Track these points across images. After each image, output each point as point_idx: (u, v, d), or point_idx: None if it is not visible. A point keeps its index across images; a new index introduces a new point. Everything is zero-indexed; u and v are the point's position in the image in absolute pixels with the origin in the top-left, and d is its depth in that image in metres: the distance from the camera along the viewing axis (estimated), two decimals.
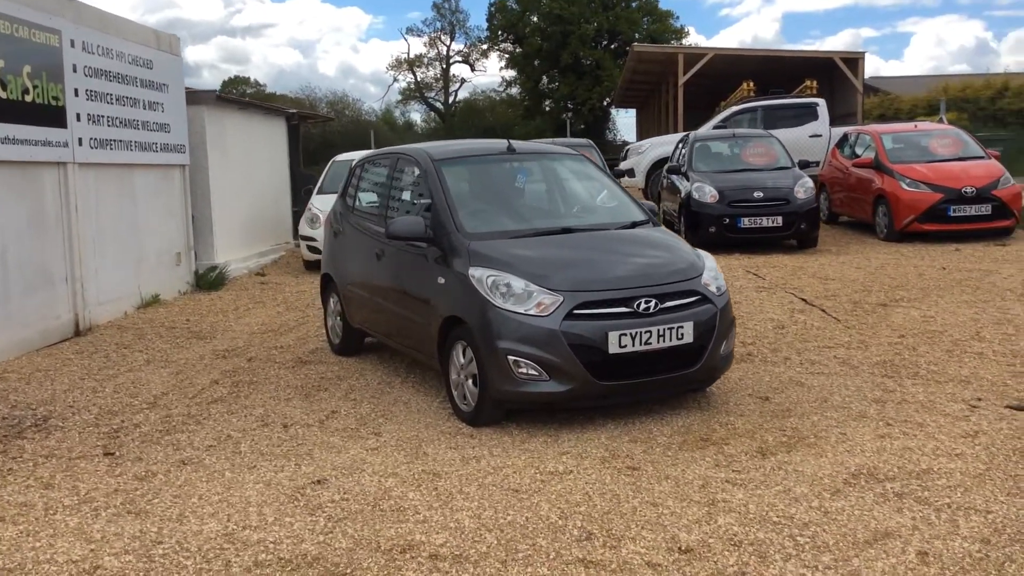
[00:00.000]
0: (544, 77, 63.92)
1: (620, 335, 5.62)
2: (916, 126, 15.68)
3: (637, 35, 62.93)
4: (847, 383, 6.59)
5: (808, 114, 18.27)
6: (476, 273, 5.91)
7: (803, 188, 13.12)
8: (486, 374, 5.74)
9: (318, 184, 14.56)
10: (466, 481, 4.96)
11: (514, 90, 67.37)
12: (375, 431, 5.97)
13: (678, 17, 69.02)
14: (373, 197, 7.85)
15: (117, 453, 5.74)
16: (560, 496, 4.69)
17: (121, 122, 10.67)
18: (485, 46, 67.76)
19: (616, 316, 5.68)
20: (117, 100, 10.59)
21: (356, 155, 15.57)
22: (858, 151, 15.13)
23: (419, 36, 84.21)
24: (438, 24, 69.34)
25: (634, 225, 6.69)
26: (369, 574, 3.93)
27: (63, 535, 4.49)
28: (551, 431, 5.78)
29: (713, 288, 6.09)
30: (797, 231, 13.06)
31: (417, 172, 7.08)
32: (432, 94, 71.44)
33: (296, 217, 17.45)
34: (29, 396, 7.11)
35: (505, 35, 65.48)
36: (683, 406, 6.21)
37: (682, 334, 5.80)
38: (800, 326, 8.49)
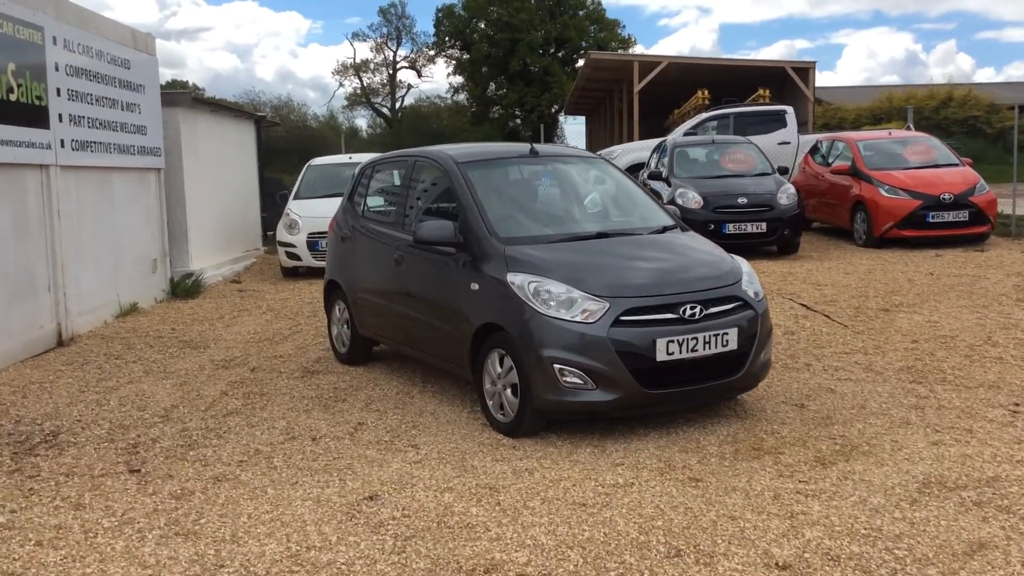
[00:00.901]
0: (492, 84, 63.90)
1: (668, 342, 5.51)
2: (891, 133, 15.90)
3: (585, 43, 63.34)
4: (878, 389, 6.56)
5: (777, 121, 18.43)
6: (516, 279, 5.74)
7: (786, 194, 13.18)
8: (529, 383, 5.57)
9: (294, 189, 14.23)
10: (527, 495, 4.79)
11: (461, 96, 67.21)
12: (411, 443, 5.77)
13: (624, 26, 69.45)
14: (387, 201, 7.63)
15: (142, 470, 5.46)
16: (631, 510, 4.55)
17: (101, 124, 10.29)
18: (432, 52, 67.55)
19: (663, 323, 5.56)
20: (97, 101, 10.21)
21: (333, 159, 15.35)
22: (832, 158, 15.28)
23: (365, 41, 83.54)
24: (384, 29, 68.94)
25: (664, 230, 6.59)
26: None
27: (112, 560, 4.23)
28: (595, 441, 5.64)
29: (751, 293, 6.01)
30: (780, 237, 13.12)
31: (438, 175, 6.90)
32: (379, 99, 70.93)
33: (265, 223, 17.11)
34: (31, 410, 6.76)
35: (452, 41, 65.36)
36: (721, 414, 6.12)
37: (727, 341, 5.70)
38: (809, 332, 8.47)
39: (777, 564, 3.91)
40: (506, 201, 6.66)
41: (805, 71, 32.77)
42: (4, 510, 4.88)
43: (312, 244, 13.08)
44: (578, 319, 5.51)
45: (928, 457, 5.15)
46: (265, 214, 17.06)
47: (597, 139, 53.26)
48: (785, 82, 32.65)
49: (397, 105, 70.28)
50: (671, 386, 5.60)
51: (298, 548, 4.27)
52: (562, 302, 5.58)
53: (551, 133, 63.44)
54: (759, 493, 4.71)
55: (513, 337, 5.67)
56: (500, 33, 59.60)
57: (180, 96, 12.80)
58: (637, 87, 32.60)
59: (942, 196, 13.25)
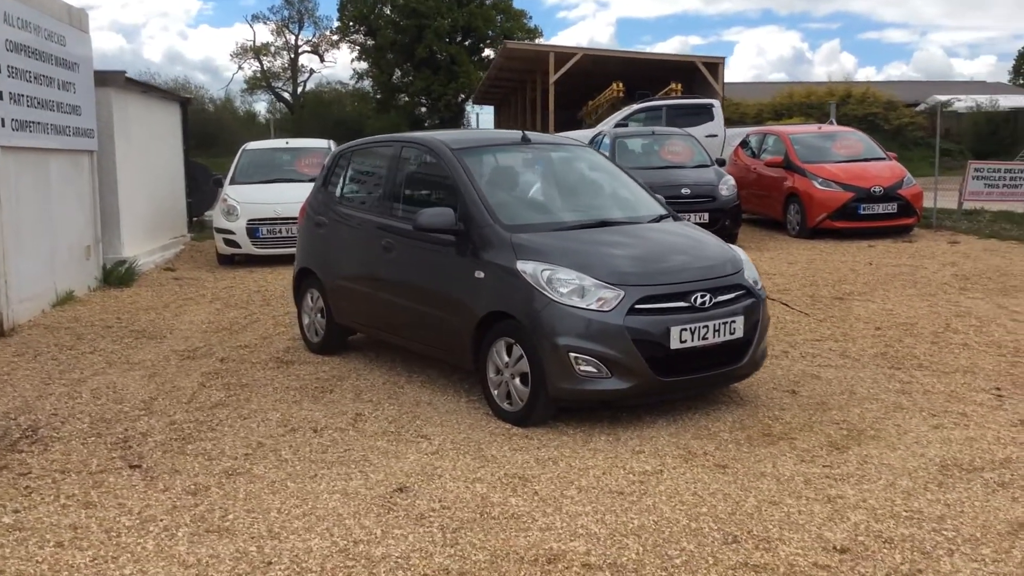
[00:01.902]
0: (398, 71, 63.30)
1: (681, 330, 5.54)
2: (820, 128, 16.37)
3: (491, 32, 63.32)
4: (860, 375, 6.75)
5: (705, 114, 18.77)
6: (527, 267, 5.69)
7: (726, 185, 13.44)
8: (543, 372, 5.53)
9: (230, 174, 13.80)
10: (560, 485, 4.76)
11: (366, 83, 66.35)
12: (420, 434, 5.66)
13: (531, 17, 69.67)
14: (370, 187, 7.46)
15: (143, 465, 5.22)
16: (670, 497, 4.56)
17: (39, 103, 9.79)
18: (336, 37, 66.45)
19: (675, 311, 5.60)
20: (35, 79, 9.70)
21: (268, 144, 14.96)
22: (764, 151, 15.65)
23: (266, 24, 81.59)
24: (286, 12, 67.51)
25: (660, 218, 6.63)
26: None
27: (149, 559, 4.03)
28: (606, 428, 5.64)
29: (752, 281, 6.10)
30: (722, 227, 13.33)
31: (430, 161, 6.78)
32: (280, 84, 69.47)
33: (191, 208, 16.59)
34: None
35: (357, 26, 64.44)
36: (719, 400, 6.19)
37: (734, 329, 5.77)
38: (775, 320, 8.61)
39: (835, 547, 3.98)
40: (504, 188, 6.60)
41: (715, 66, 33.52)
42: (6, 510, 4.61)
43: (253, 231, 12.72)
44: (594, 307, 5.50)
45: (935, 440, 5.32)
46: (191, 199, 16.52)
47: (507, 128, 53.31)
48: (695, 76, 33.31)
49: (299, 90, 68.91)
50: (683, 374, 5.65)
51: (344, 542, 4.15)
52: (576, 290, 5.55)
53: (458, 122, 63.30)
54: (789, 478, 4.78)
55: (525, 326, 5.62)
56: (406, 20, 59.06)
57: (113, 76, 12.24)
58: (553, 78, 32.80)
59: (873, 189, 13.72)
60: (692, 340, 5.58)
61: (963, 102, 48.36)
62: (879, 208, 13.72)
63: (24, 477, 5.08)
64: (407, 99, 63.41)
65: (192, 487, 4.87)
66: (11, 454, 5.44)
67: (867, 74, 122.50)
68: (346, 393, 6.62)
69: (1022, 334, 7.82)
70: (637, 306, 5.52)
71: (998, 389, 6.31)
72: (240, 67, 75.62)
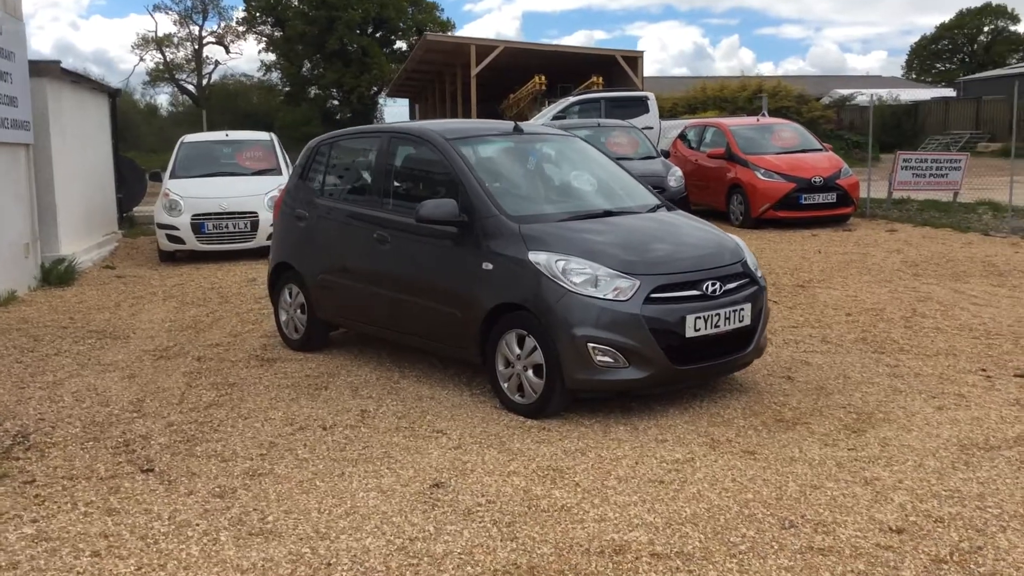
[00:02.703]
0: (307, 62, 62.30)
1: (695, 318, 5.59)
2: (759, 120, 16.71)
3: (403, 24, 62.81)
4: (848, 360, 6.91)
5: (641, 107, 18.98)
6: (540, 258, 5.65)
7: (674, 177, 13.62)
8: (560, 363, 5.50)
9: (169, 167, 13.35)
10: (598, 475, 4.74)
11: (274, 75, 65.11)
12: (435, 429, 5.58)
13: (443, 9, 69.37)
14: (358, 179, 7.31)
15: (156, 469, 5.02)
16: (712, 485, 4.59)
17: None
18: (242, 28, 64.96)
19: (689, 300, 5.63)
20: None
21: (208, 136, 14.54)
22: (704, 143, 15.90)
23: (168, 14, 79.22)
24: (189, 2, 65.65)
25: (655, 208, 6.66)
26: None
27: (199, 566, 3.87)
28: (620, 418, 5.65)
29: (753, 269, 6.19)
30: None
31: (424, 152, 6.67)
32: (184, 76, 67.60)
33: (120, 204, 16.04)
34: None
35: (264, 17, 63.19)
36: (720, 388, 6.25)
37: (742, 316, 5.84)
38: None
39: (890, 528, 4.06)
40: (503, 178, 6.53)
41: (634, 60, 33.93)
42: (23, 520, 4.38)
43: (198, 226, 12.34)
44: (610, 297, 5.49)
45: (944, 422, 5.47)
46: (120, 195, 15.96)
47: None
48: (614, 70, 33.64)
49: (204, 83, 67.16)
50: (697, 362, 5.69)
51: (400, 540, 4.06)
52: (590, 280, 5.54)
53: (370, 115, 62.63)
54: (820, 462, 4.86)
55: (539, 317, 5.59)
56: (316, 11, 58.13)
57: (47, 66, 11.71)
58: (475, 70, 32.71)
59: (813, 179, 14.07)
60: (705, 328, 5.63)
61: (865, 96, 50.09)
62: (819, 198, 14.09)
63: (30, 485, 4.83)
64: (318, 91, 62.49)
65: (217, 490, 4.70)
66: (7, 461, 5.17)
67: (766, 69, 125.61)
68: (342, 390, 6.48)
69: (987, 317, 8.11)
70: (652, 295, 5.54)
71: (984, 370, 6.53)
72: (142, 59, 73.50)
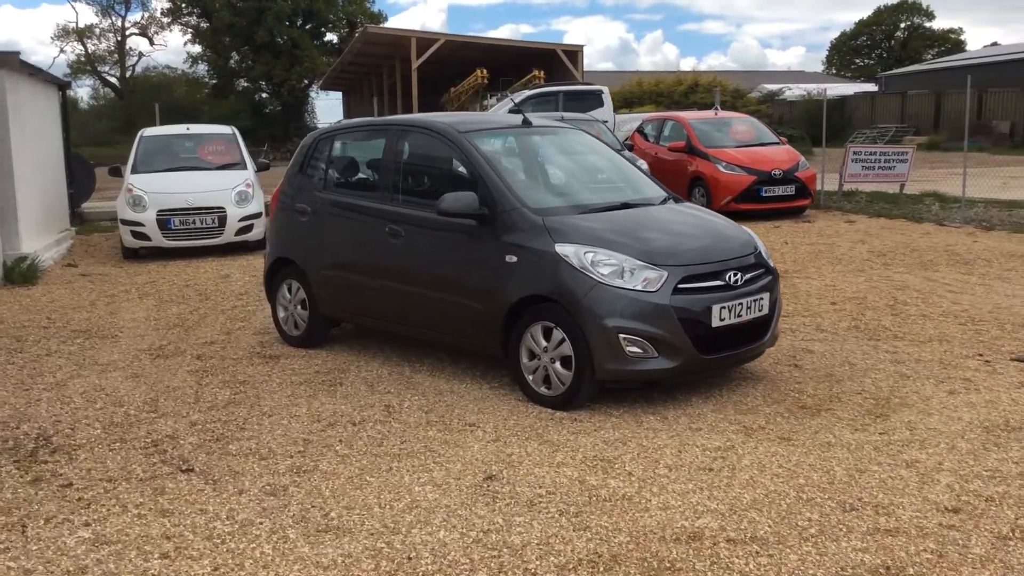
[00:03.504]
0: (235, 54, 61.13)
1: (720, 308, 5.70)
2: (716, 113, 16.99)
3: (333, 16, 62.11)
4: (848, 347, 7.11)
5: (596, 101, 19.13)
6: (567, 250, 5.70)
7: (641, 170, 13.73)
8: (591, 354, 5.57)
9: (130, 162, 13.02)
10: (648, 465, 4.81)
11: (201, 67, 63.72)
12: (466, 423, 5.59)
13: (374, 1, 68.73)
14: (365, 173, 7.25)
15: (196, 469, 4.95)
16: (761, 471, 4.69)
17: None
18: (167, 19, 63.41)
19: (714, 290, 5.74)
20: None
21: (168, 130, 14.25)
22: (663, 137, 16.12)
23: (89, 4, 76.87)
24: None
25: (665, 200, 6.77)
26: (698, 564, 3.75)
27: (277, 564, 3.85)
28: (647, 408, 5.72)
29: (766, 259, 6.33)
30: None
31: (437, 145, 6.66)
32: (107, 68, 65.80)
33: (72, 200, 15.62)
34: None
35: (190, 8, 61.76)
36: (732, 376, 6.38)
37: (762, 306, 5.98)
38: None
39: (947, 508, 4.21)
40: (519, 171, 6.56)
41: (574, 54, 34.15)
42: (75, 524, 4.29)
43: (164, 222, 12.08)
44: (639, 288, 5.58)
45: (960, 405, 5.68)
46: (72, 190, 15.53)
47: (359, 116, 52.50)
48: (554, 63, 33.81)
49: (127, 75, 65.46)
50: (721, 351, 5.81)
51: (474, 532, 4.08)
52: (617, 271, 5.61)
53: (301, 108, 61.84)
54: (857, 447, 5.01)
55: (568, 309, 5.64)
56: (245, 2, 57.03)
57: (7, 56, 11.33)
58: (416, 63, 32.54)
59: (773, 172, 14.40)
60: (729, 318, 5.75)
61: (793, 91, 51.25)
62: (779, 190, 14.43)
63: (69, 488, 4.73)
64: (247, 84, 61.36)
65: (268, 488, 4.66)
66: (36, 465, 5.05)
67: (688, 64, 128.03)
68: (358, 385, 6.45)
69: (967, 304, 8.42)
70: (680, 286, 5.64)
71: (981, 355, 6.79)
72: (62, 50, 71.32)
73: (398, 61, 35.45)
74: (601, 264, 5.63)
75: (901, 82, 50.87)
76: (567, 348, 5.69)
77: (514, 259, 5.90)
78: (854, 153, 16.41)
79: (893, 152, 16.84)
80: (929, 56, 75.47)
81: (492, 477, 4.72)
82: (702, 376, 6.05)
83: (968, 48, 76.80)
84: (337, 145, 7.50)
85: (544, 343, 5.81)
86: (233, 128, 14.44)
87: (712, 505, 4.31)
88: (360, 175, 7.36)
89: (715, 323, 5.68)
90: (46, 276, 11.32)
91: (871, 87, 58.89)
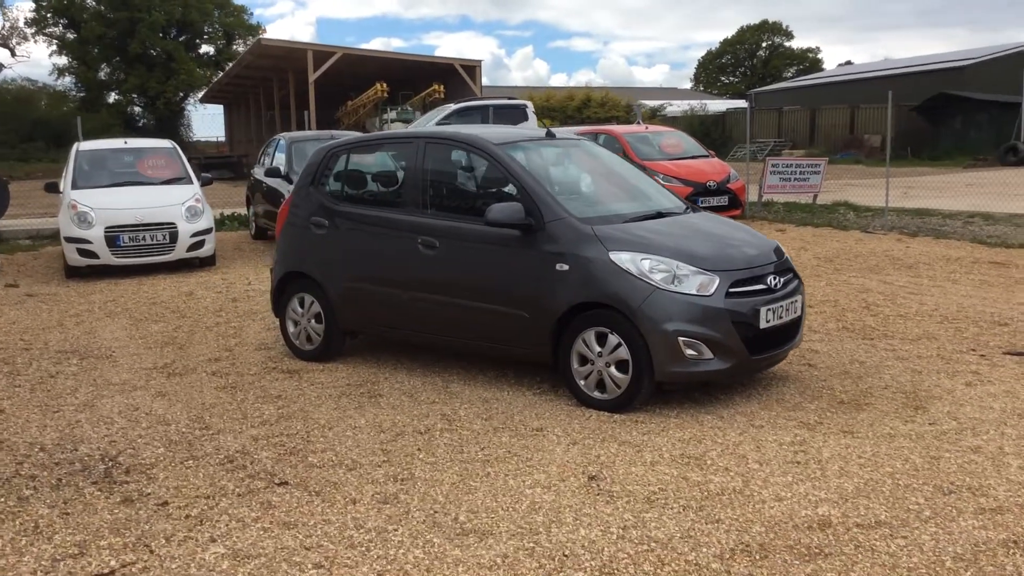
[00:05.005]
0: (106, 66, 59.04)
1: (767, 311, 6.02)
2: (647, 128, 17.50)
3: (208, 28, 60.80)
4: (848, 347, 7.53)
5: (521, 115, 19.35)
6: (623, 257, 5.90)
7: None
8: (651, 357, 5.78)
9: (69, 178, 12.49)
10: (736, 461, 5.03)
11: (68, 80, 61.13)
12: (533, 428, 5.71)
13: (251, 13, 67.38)
14: (388, 185, 7.27)
15: (291, 482, 4.93)
16: (846, 462, 4.95)
17: None
18: (31, 29, 60.58)
19: (759, 293, 6.05)
20: None
21: (107, 144, 13.78)
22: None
23: None
24: None
25: (686, 210, 7.05)
26: (845, 549, 3.99)
27: (441, 568, 3.91)
28: (698, 409, 5.96)
29: (792, 264, 6.69)
30: None
31: (467, 158, 6.77)
32: None
33: None
34: (23, 438, 5.72)
35: (56, 18, 59.29)
36: (756, 378, 6.70)
37: (797, 308, 6.34)
38: None
39: None
40: (556, 182, 6.72)
41: (472, 68, 34.39)
42: (202, 540, 4.24)
43: (113, 239, 11.68)
44: (695, 292, 5.83)
45: (984, 396, 6.13)
46: None
47: (242, 130, 51.45)
48: (453, 78, 33.98)
49: None
50: (766, 351, 6.11)
51: (616, 529, 4.22)
52: (669, 277, 5.85)
53: (177, 123, 60.12)
54: (917, 436, 5.37)
55: (626, 314, 5.84)
56: (116, 12, 55.18)
57: None
58: (313, 76, 32.18)
59: (708, 183, 14.97)
60: (774, 319, 6.07)
61: (674, 106, 52.99)
62: (713, 201, 15.00)
63: (167, 506, 4.64)
64: (119, 97, 59.29)
65: (379, 496, 4.68)
66: (117, 486, 4.92)
67: (559, 80, 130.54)
68: (399, 396, 6.47)
69: (933, 304, 9.02)
70: (731, 290, 5.92)
71: (974, 350, 7.32)
72: None
73: (291, 73, 34.94)
74: (656, 270, 5.86)
75: (768, 99, 53.32)
76: (623, 352, 5.88)
77: (565, 267, 6.06)
78: (772, 165, 17.20)
79: (807, 164, 17.73)
80: (790, 74, 79.28)
81: (594, 477, 4.86)
82: (751, 375, 6.35)
83: (825, 67, 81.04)
84: (354, 158, 7.50)
85: (598, 348, 5.99)
86: (172, 142, 14.07)
87: (822, 495, 4.57)
88: (382, 188, 7.38)
89: (763, 325, 5.98)
90: None
91: (741, 103, 61.40)
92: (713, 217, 6.98)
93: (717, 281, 5.88)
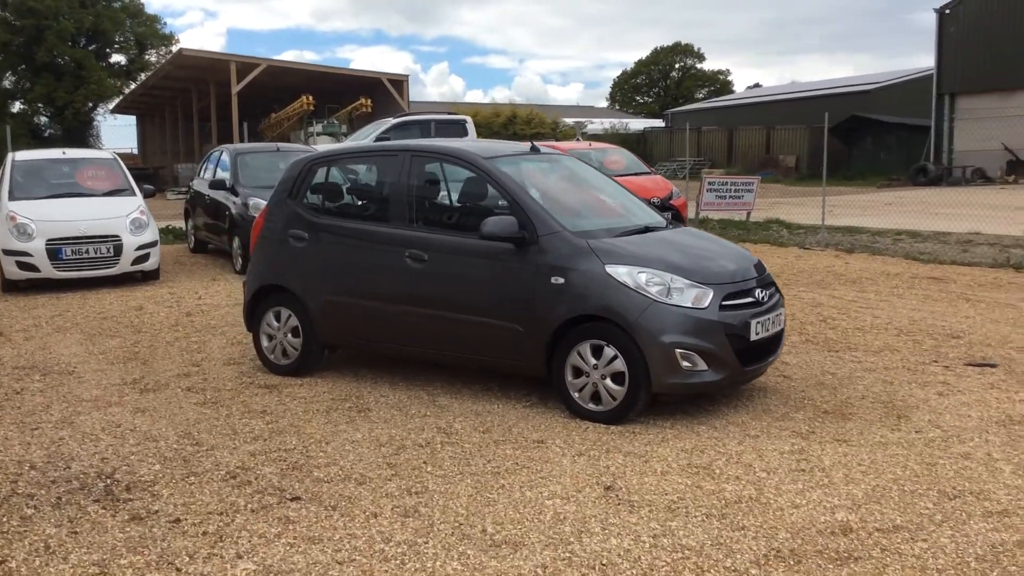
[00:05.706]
0: (11, 75, 57.13)
1: (756, 323, 6.16)
2: (591, 144, 17.69)
3: (120, 37, 59.42)
4: (816, 359, 7.73)
5: (461, 130, 19.38)
6: (619, 270, 5.98)
7: None
8: (648, 369, 5.87)
9: (5, 189, 12.02)
10: (744, 470, 5.13)
11: None
12: (533, 440, 5.72)
13: (165, 23, 66.02)
14: (371, 199, 7.22)
15: (303, 497, 4.85)
16: (850, 470, 5.09)
17: None
18: None
19: (748, 306, 6.19)
20: None
21: (43, 154, 13.36)
22: None
23: None
24: None
25: (667, 225, 7.18)
26: (874, 552, 4.12)
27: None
28: (690, 421, 6.06)
29: (773, 279, 6.87)
30: None
31: (455, 171, 6.78)
32: None
33: None
34: (12, 456, 5.50)
35: None
36: (736, 390, 6.85)
37: (780, 321, 6.51)
38: None
39: None
40: (546, 196, 6.75)
41: (400, 83, 34.33)
42: (228, 557, 4.15)
43: (55, 252, 11.29)
44: (690, 305, 5.94)
45: (958, 405, 6.36)
46: None
47: (157, 142, 50.29)
48: (379, 92, 33.87)
49: None
50: (754, 363, 6.26)
51: (648, 538, 4.27)
52: (665, 290, 5.95)
53: (86, 133, 58.44)
54: (908, 444, 5.56)
55: (623, 327, 5.91)
56: (22, 19, 53.46)
57: None
58: (236, 87, 31.72)
59: (653, 200, 15.17)
60: (762, 332, 6.22)
61: (595, 125, 53.72)
62: None
63: (180, 523, 4.53)
64: (24, 107, 57.39)
65: (399, 509, 4.65)
66: (121, 504, 4.78)
67: (475, 96, 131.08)
68: (389, 410, 6.42)
69: (886, 318, 9.34)
70: (723, 303, 6.05)
71: (936, 361, 7.61)
72: None
73: (213, 85, 34.31)
74: (652, 283, 5.95)
75: (683, 118, 54.45)
76: (619, 364, 5.95)
77: (561, 280, 6.11)
78: (709, 183, 17.60)
79: (742, 183, 18.19)
80: (702, 95, 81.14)
81: (610, 488, 4.91)
82: (740, 386, 6.49)
83: (735, 89, 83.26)
84: (335, 171, 7.43)
85: (594, 360, 6.05)
86: (113, 153, 13.68)
87: (835, 501, 4.70)
88: (366, 200, 7.33)
89: (753, 337, 6.12)
90: None
91: (659, 122, 62.62)
92: (697, 232, 7.13)
93: (711, 294, 6.00)
